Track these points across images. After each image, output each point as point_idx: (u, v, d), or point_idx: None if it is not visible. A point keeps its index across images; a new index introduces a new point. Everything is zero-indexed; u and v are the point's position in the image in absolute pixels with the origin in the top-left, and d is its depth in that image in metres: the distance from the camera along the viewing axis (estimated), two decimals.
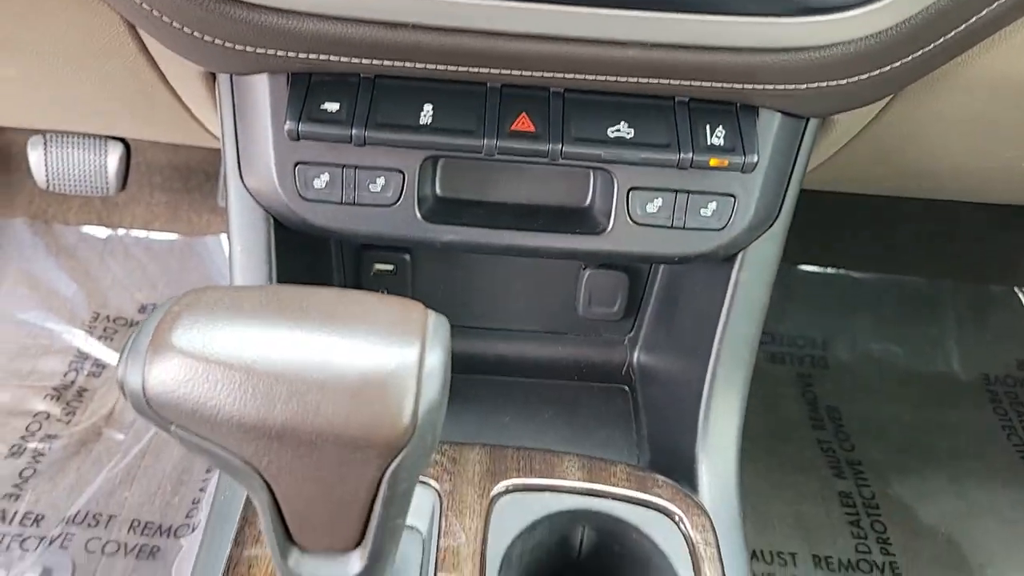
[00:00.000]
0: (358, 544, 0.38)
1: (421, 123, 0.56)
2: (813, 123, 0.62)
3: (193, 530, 1.07)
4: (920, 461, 1.23)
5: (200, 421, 0.35)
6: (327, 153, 0.58)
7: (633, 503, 0.58)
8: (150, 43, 0.61)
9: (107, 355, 1.30)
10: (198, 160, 1.43)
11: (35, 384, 1.25)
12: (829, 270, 1.45)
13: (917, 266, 1.42)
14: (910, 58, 0.53)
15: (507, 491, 0.58)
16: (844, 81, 0.54)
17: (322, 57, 0.54)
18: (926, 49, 0.53)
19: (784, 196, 0.63)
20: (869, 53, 0.51)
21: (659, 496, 0.58)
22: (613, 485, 0.59)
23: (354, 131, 0.55)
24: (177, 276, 1.41)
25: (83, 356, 1.30)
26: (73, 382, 1.26)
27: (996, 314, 1.43)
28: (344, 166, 0.58)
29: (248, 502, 0.58)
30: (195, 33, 0.52)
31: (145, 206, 1.45)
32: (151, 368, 0.35)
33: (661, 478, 0.60)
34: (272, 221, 0.62)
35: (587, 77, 0.54)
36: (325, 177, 0.59)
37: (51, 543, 1.06)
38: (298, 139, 0.57)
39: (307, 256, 0.70)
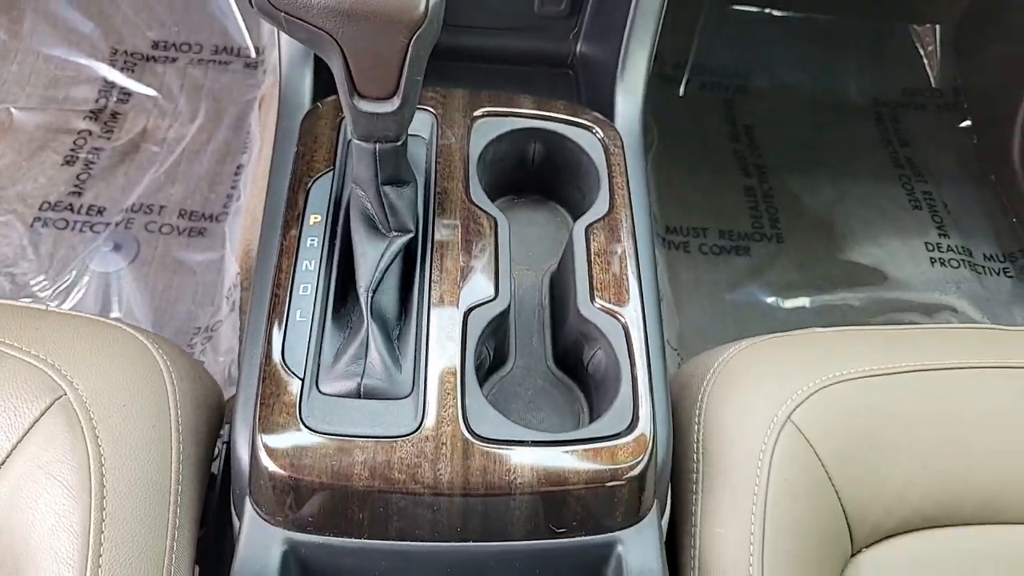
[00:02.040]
0: (395, 93, 0.63)
1: None
2: None
3: (230, 216, 1.35)
4: (811, 165, 1.53)
5: (299, 8, 0.59)
6: None
7: (569, 124, 0.84)
8: None
9: (131, 84, 1.50)
10: None
11: (72, 108, 1.46)
12: (754, 9, 1.66)
13: (828, 4, 1.64)
14: None
15: (483, 116, 0.84)
16: None
17: None
18: None
19: None
20: None
21: (587, 119, 0.85)
22: (556, 113, 0.85)
23: None
24: (182, 15, 1.58)
25: (110, 85, 1.50)
26: (105, 107, 1.47)
27: (891, 48, 1.67)
28: None
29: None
30: None
31: None
32: None
33: (589, 110, 0.86)
34: None
35: None
36: None
37: (116, 226, 1.33)
38: None
39: None
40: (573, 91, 1.04)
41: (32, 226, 1.31)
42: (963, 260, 1.40)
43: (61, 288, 1.25)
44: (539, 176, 0.88)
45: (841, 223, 1.45)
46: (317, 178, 0.78)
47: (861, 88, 1.64)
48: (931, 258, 1.41)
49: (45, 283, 1.26)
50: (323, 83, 0.88)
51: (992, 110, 1.56)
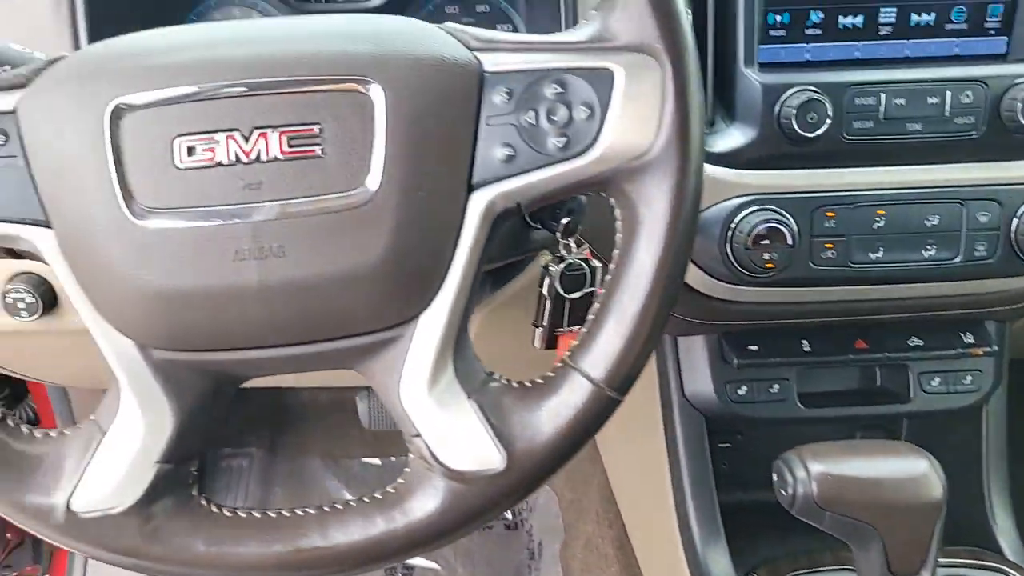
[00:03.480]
0: (922, 567, 0.73)
1: (805, 350, 0.98)
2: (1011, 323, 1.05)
3: None
4: None
5: (846, 507, 0.72)
6: (746, 372, 0.99)
7: (983, 569, 0.93)
8: None
9: (413, 560, 1.62)
10: None
11: None
12: None
13: None
14: None
15: None
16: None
17: (747, 322, 0.96)
18: None
19: (1003, 367, 1.04)
20: None
21: (994, 562, 0.94)
22: (962, 558, 0.94)
23: (767, 360, 0.97)
24: None
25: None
26: None
27: None
28: (758, 380, 0.99)
29: None
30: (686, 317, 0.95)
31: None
32: (816, 488, 0.72)
33: (990, 552, 0.95)
34: (704, 419, 1.02)
35: (893, 316, 0.97)
36: (744, 388, 0.99)
37: None
38: (734, 366, 0.98)
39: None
40: None
41: None
42: None
43: None
44: None
45: None
46: None
47: None
48: None
49: None
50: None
51: None
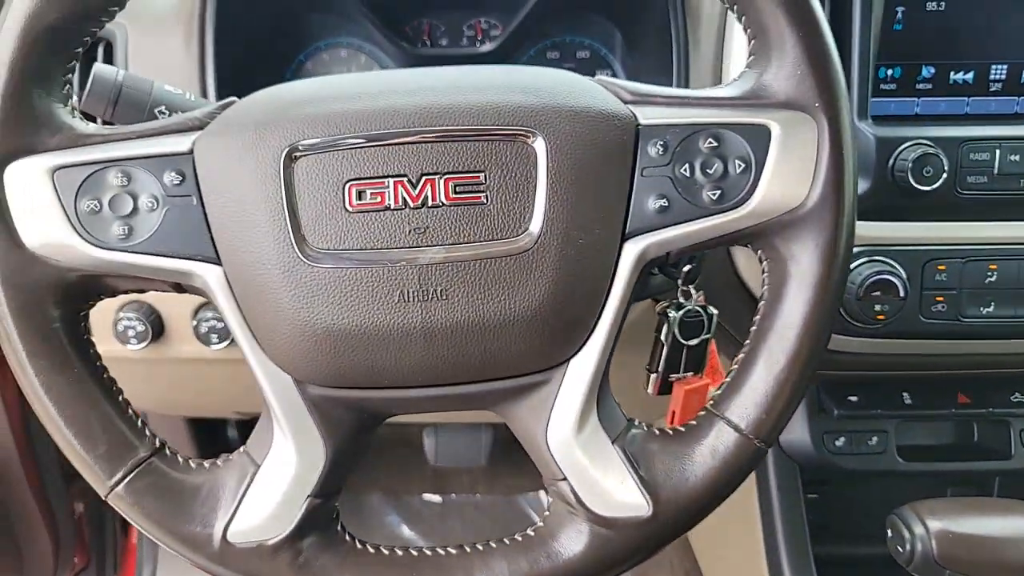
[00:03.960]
0: None
1: (905, 402, 0.97)
2: None
3: None
4: None
5: (968, 565, 0.71)
6: (845, 423, 0.98)
7: None
8: None
9: None
10: None
11: None
12: None
13: None
14: None
15: None
16: None
17: (849, 372, 0.96)
18: None
19: None
20: None
21: None
22: None
23: (867, 411, 0.97)
24: None
25: None
26: None
27: None
28: (856, 431, 0.98)
29: None
30: None
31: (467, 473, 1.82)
32: (936, 546, 0.71)
33: None
34: (799, 468, 1.01)
35: (998, 371, 0.96)
36: (843, 439, 0.98)
37: None
38: (833, 417, 0.97)
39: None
40: None
41: None
42: None
43: None
44: None
45: None
46: None
47: None
48: None
49: None
50: None
51: None
